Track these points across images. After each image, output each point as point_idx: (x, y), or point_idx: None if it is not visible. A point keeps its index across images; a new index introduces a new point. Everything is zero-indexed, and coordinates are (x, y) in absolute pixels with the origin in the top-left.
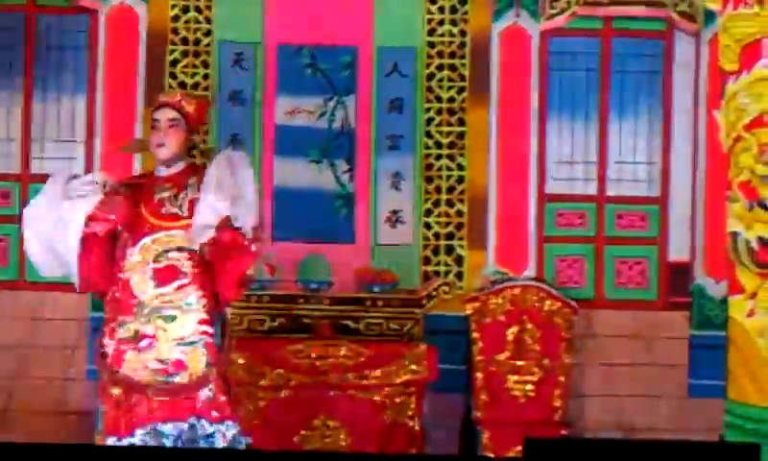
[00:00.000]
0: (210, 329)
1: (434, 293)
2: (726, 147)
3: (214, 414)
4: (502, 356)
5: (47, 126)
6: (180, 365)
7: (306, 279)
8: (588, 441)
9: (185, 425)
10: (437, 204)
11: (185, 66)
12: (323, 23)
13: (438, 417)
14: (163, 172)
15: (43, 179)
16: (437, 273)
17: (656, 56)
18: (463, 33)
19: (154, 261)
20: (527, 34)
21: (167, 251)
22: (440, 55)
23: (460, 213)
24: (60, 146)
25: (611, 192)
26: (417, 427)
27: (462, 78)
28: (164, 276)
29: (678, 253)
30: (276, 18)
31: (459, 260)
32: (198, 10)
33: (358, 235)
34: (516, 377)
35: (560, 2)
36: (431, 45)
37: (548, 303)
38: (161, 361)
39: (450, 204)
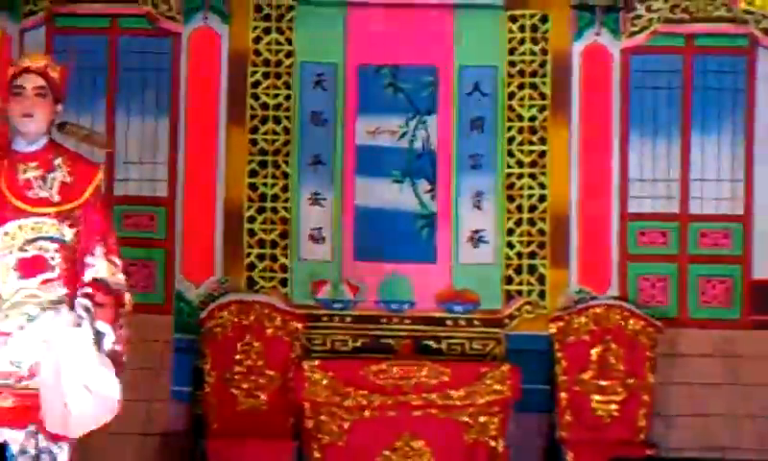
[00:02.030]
0: None
1: (516, 312)
2: None
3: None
4: (586, 376)
5: (129, 148)
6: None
7: (388, 299)
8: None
9: (23, 434)
10: (519, 223)
11: (267, 87)
12: (403, 43)
13: (521, 437)
14: (24, 147)
15: (126, 200)
16: (519, 292)
17: (738, 72)
18: (544, 51)
19: (19, 250)
20: (608, 52)
21: (35, 239)
22: (521, 73)
23: (542, 232)
24: (143, 168)
25: (693, 210)
26: (500, 448)
27: (543, 96)
28: (29, 267)
29: (762, 271)
30: (357, 39)
31: (541, 279)
32: (279, 31)
33: (440, 255)
34: (600, 397)
35: (641, 20)
36: (512, 64)
37: (632, 322)
38: (14, 363)
39: (532, 223)
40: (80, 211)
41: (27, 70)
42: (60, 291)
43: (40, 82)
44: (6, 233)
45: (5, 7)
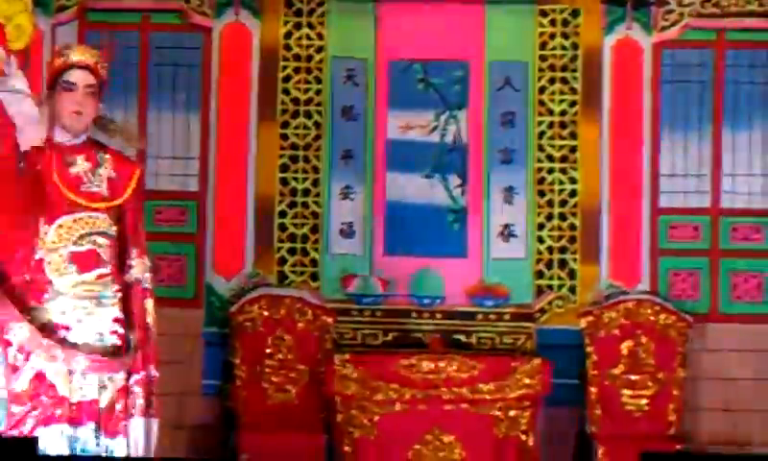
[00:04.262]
0: (122, 330)
1: (547, 307)
2: None
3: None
4: (616, 370)
5: (162, 143)
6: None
7: (419, 293)
8: (705, 455)
9: (83, 430)
10: (549, 217)
11: (298, 82)
12: (434, 38)
13: (552, 431)
14: (68, 140)
15: (158, 196)
16: (550, 287)
17: None
18: (575, 46)
19: (74, 243)
20: (639, 46)
21: (89, 234)
22: (551, 68)
23: (573, 227)
24: (175, 163)
25: (725, 205)
26: (530, 442)
27: (573, 91)
28: (85, 261)
29: None
30: (388, 34)
31: (572, 274)
32: (310, 26)
33: (470, 250)
34: (630, 392)
35: (672, 14)
36: (543, 59)
37: (663, 316)
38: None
39: (563, 217)
40: (122, 209)
41: (77, 65)
42: (113, 287)
43: (91, 79)
44: (60, 226)
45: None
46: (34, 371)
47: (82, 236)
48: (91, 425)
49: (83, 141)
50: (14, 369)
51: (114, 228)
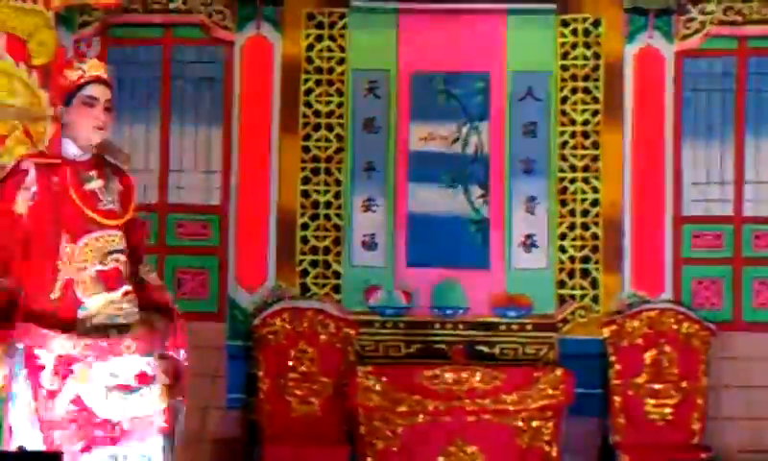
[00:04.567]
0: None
1: (570, 317)
2: None
3: None
4: (640, 380)
5: (184, 156)
6: (144, 378)
7: (441, 304)
8: None
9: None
10: (572, 227)
11: (319, 95)
12: (455, 50)
13: (575, 441)
14: (78, 156)
15: (180, 209)
16: (572, 296)
17: None
18: (596, 55)
19: (100, 263)
20: (661, 55)
21: (112, 252)
22: (573, 78)
23: (595, 236)
24: (197, 176)
25: (748, 213)
26: (554, 452)
27: (596, 100)
28: (112, 280)
29: None
30: (409, 46)
31: (594, 283)
32: (332, 38)
33: (493, 260)
34: (654, 401)
35: (694, 22)
36: (564, 69)
37: (686, 325)
38: (114, 375)
39: (585, 227)
40: (128, 224)
41: (97, 80)
42: (135, 302)
43: (109, 94)
44: (86, 245)
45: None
46: (71, 394)
47: (106, 255)
48: (134, 442)
49: (91, 157)
50: (51, 394)
51: (124, 243)
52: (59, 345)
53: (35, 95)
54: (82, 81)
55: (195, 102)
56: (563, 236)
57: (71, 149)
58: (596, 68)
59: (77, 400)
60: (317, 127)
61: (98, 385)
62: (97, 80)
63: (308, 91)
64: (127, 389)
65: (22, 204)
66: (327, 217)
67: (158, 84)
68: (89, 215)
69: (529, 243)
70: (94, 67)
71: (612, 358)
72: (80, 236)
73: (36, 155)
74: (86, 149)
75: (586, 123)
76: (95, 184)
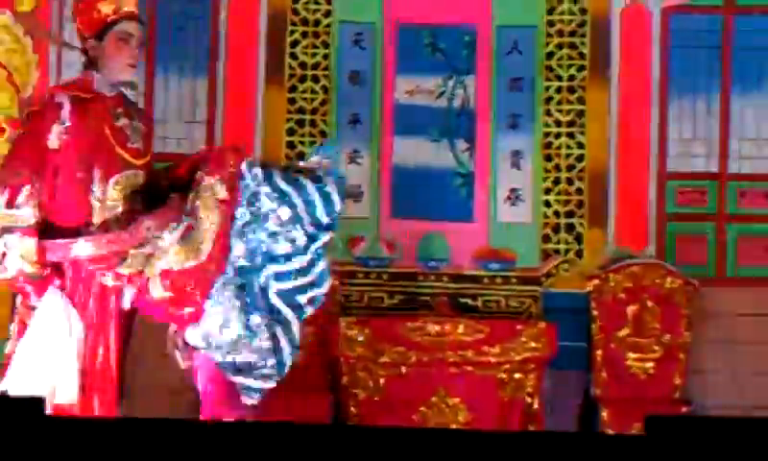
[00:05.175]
0: None
1: (553, 271)
2: None
3: None
4: (622, 334)
5: (168, 107)
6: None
7: (425, 256)
8: (710, 419)
9: None
10: (557, 182)
11: (305, 47)
12: (442, 3)
13: (557, 394)
14: (108, 91)
15: (164, 158)
16: (557, 251)
17: None
18: (583, 11)
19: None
20: (648, 11)
21: (138, 191)
22: (560, 33)
23: (580, 191)
24: (182, 127)
25: (732, 169)
26: (536, 405)
27: (582, 56)
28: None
29: None
30: None
31: (579, 238)
32: None
33: (477, 214)
34: (636, 355)
35: None
36: (551, 24)
37: (669, 280)
38: None
39: (570, 182)
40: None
41: (132, 16)
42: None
43: (139, 32)
44: (117, 183)
45: None
46: None
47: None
48: None
49: (117, 93)
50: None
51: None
52: (81, 248)
53: (18, 41)
54: (116, 16)
55: (180, 52)
56: (547, 191)
57: (101, 84)
58: (582, 24)
59: None
60: (303, 78)
61: None
62: (131, 16)
63: (294, 43)
64: None
65: (55, 139)
66: None
67: (143, 31)
68: (120, 153)
69: (514, 197)
70: (128, 3)
71: (595, 312)
72: (111, 175)
73: (71, 87)
74: (116, 85)
75: (571, 78)
76: (123, 122)
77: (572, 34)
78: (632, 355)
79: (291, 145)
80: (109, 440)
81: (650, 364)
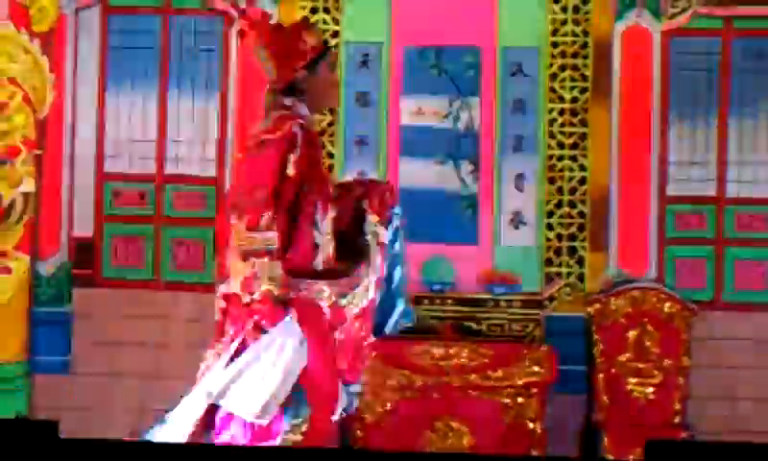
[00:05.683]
0: None
1: (556, 294)
2: None
3: None
4: (623, 358)
5: (181, 127)
6: None
7: (430, 279)
8: (710, 444)
9: None
10: (559, 205)
11: None
12: (447, 24)
13: (559, 418)
14: (308, 122)
15: (178, 179)
16: (558, 274)
17: None
18: (585, 33)
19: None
20: (649, 33)
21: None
22: (563, 55)
23: (582, 214)
24: (194, 148)
25: (731, 193)
26: (538, 429)
27: (584, 78)
28: None
29: None
30: (402, 20)
31: (580, 262)
32: (326, 11)
33: (481, 236)
34: (636, 379)
35: (681, 2)
36: (554, 45)
37: (668, 304)
38: None
39: (572, 205)
40: None
41: (328, 47)
42: None
43: None
44: (330, 216)
45: None
46: None
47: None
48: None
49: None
50: None
51: None
52: (320, 289)
53: (35, 61)
54: (323, 47)
55: (192, 72)
56: (550, 214)
57: (306, 113)
58: (585, 45)
59: None
60: None
61: None
62: (328, 47)
63: None
64: None
65: (292, 168)
66: None
67: (157, 53)
68: (330, 183)
69: (517, 220)
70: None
71: (597, 337)
72: (327, 206)
73: (295, 117)
74: (314, 113)
75: (575, 100)
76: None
77: (575, 55)
78: (632, 380)
79: None
80: None
81: (650, 389)
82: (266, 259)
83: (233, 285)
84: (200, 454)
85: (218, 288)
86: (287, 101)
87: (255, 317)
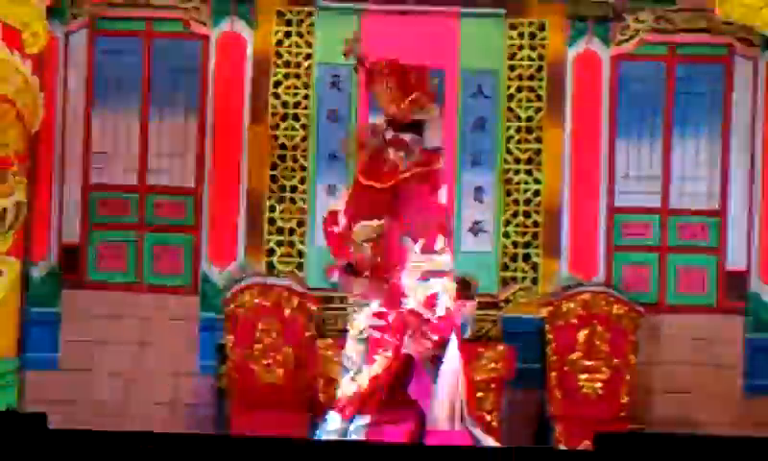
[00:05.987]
0: None
1: (511, 297)
2: None
3: None
4: (574, 356)
5: (161, 142)
6: None
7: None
8: (654, 435)
9: None
10: (515, 215)
11: (288, 87)
12: (412, 47)
13: (515, 412)
14: None
15: (158, 190)
16: (514, 278)
17: (716, 79)
18: (541, 57)
19: None
20: (599, 58)
21: None
22: (519, 77)
23: (536, 224)
24: (174, 160)
25: (673, 205)
26: (495, 422)
27: (539, 98)
28: None
29: (735, 261)
30: (371, 43)
31: (535, 267)
32: (299, 35)
33: None
34: (586, 376)
35: (629, 30)
36: (512, 69)
37: (616, 307)
38: None
39: (527, 215)
40: None
41: None
42: None
43: None
44: None
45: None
46: None
47: None
48: None
49: None
50: None
51: None
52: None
53: (27, 81)
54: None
55: (173, 91)
56: (507, 223)
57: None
58: (540, 69)
59: None
60: (284, 117)
61: None
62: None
63: (277, 83)
64: None
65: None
66: (293, 201)
67: (139, 72)
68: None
69: (476, 228)
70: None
71: (549, 336)
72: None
73: (439, 153)
74: None
75: (530, 119)
76: None
77: (531, 77)
78: (583, 377)
79: (273, 179)
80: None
81: (599, 384)
82: (447, 279)
83: (409, 303)
84: (192, 444)
85: (362, 310)
86: (405, 136)
87: (435, 336)
